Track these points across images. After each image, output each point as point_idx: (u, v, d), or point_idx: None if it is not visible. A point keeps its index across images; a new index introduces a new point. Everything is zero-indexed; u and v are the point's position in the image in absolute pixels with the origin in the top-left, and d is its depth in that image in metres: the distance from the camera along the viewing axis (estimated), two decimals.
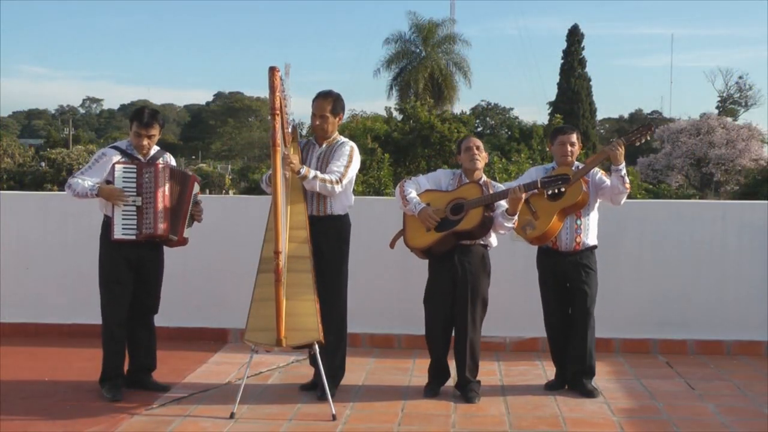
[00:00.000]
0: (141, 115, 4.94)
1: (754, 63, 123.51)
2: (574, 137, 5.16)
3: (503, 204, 4.90)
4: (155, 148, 5.06)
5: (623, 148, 4.96)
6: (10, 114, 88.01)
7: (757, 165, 31.30)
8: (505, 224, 4.92)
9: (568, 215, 5.06)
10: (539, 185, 4.80)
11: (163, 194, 4.89)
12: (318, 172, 4.86)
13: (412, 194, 5.03)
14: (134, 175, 4.88)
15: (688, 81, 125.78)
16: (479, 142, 5.10)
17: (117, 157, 4.93)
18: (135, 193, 4.86)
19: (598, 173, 5.15)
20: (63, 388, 5.17)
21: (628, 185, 4.99)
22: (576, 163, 5.19)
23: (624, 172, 4.95)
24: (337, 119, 5.09)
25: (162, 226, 4.86)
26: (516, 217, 4.91)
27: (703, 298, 6.34)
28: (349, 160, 4.97)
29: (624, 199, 5.08)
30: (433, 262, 5.10)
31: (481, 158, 5.04)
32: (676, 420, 4.66)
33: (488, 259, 5.07)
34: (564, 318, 5.23)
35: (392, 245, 5.22)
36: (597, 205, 5.20)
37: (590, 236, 5.14)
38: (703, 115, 35.04)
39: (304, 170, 4.79)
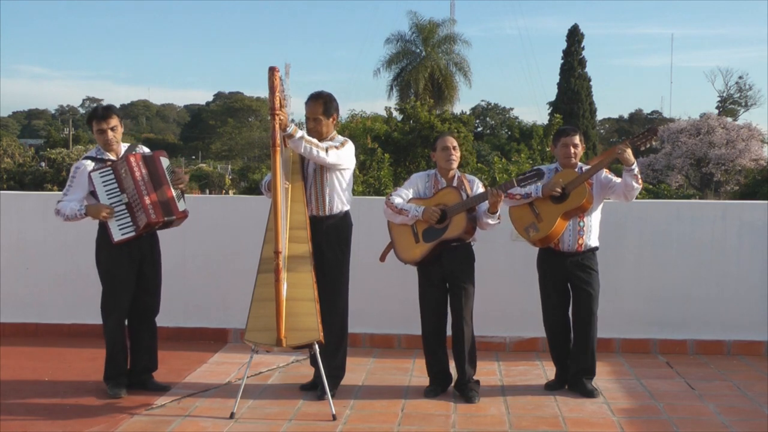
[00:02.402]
0: (95, 111, 5.01)
1: (754, 63, 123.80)
2: (576, 138, 5.17)
3: (484, 204, 4.96)
4: (125, 146, 5.05)
5: (629, 149, 4.95)
6: (10, 114, 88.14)
7: (757, 165, 31.19)
8: (490, 222, 5.00)
9: (571, 218, 5.07)
10: (515, 183, 4.89)
11: (144, 181, 4.87)
12: (305, 134, 4.83)
13: (404, 203, 5.05)
14: (112, 176, 4.89)
15: (688, 81, 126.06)
16: (455, 142, 5.17)
17: (90, 166, 4.93)
18: (119, 192, 4.87)
19: (603, 172, 5.15)
20: (63, 388, 5.17)
21: (641, 182, 4.99)
22: (579, 164, 5.19)
23: (637, 170, 4.93)
24: (331, 120, 5.07)
25: (154, 212, 4.83)
26: (499, 213, 4.98)
27: (703, 298, 6.34)
28: (340, 145, 4.96)
29: (636, 194, 5.09)
30: (422, 266, 5.12)
31: (456, 158, 5.10)
32: (676, 420, 4.66)
33: (473, 252, 5.12)
34: (564, 318, 5.24)
35: (383, 259, 5.26)
36: (601, 206, 5.20)
37: (592, 237, 5.15)
38: (703, 115, 34.96)
39: (291, 128, 4.72)
